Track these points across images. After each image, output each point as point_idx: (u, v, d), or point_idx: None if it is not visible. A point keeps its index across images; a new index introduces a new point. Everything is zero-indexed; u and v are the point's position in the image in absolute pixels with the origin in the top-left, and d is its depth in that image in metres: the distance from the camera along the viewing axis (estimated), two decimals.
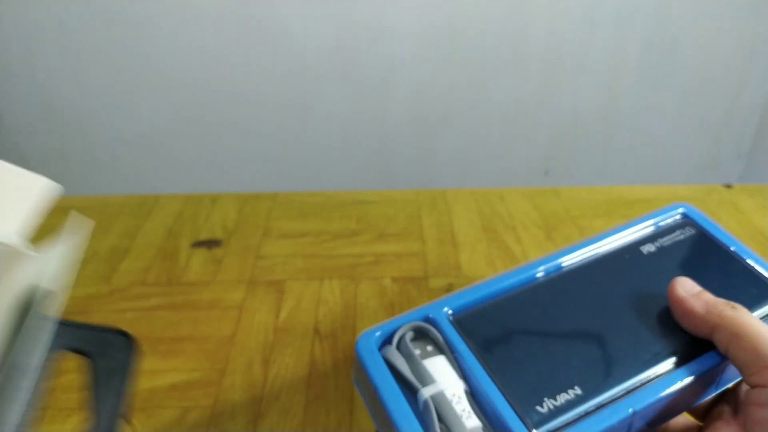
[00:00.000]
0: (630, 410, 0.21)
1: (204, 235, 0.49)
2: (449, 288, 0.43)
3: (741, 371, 0.21)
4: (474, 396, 0.22)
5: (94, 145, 1.12)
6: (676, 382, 0.22)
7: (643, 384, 0.22)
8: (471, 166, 1.16)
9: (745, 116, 1.18)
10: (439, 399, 0.21)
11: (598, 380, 0.22)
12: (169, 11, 0.97)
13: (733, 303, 0.23)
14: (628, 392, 0.21)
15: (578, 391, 0.21)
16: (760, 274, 0.27)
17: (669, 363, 0.23)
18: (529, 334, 0.23)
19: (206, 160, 1.15)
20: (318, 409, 0.34)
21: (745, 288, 0.26)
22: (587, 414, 0.21)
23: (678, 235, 0.28)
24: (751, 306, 0.25)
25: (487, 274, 0.45)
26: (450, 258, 0.46)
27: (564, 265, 0.27)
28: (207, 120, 1.10)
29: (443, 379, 0.22)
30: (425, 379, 0.22)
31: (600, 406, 0.21)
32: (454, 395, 0.21)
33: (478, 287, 0.25)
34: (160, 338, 0.39)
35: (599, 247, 0.28)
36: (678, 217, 0.30)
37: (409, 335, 0.23)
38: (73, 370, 0.36)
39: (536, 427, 0.20)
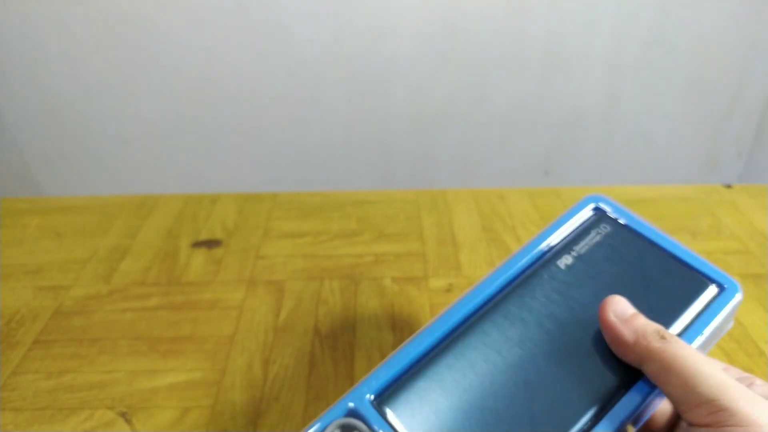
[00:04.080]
0: None
1: (204, 235, 0.49)
2: (449, 288, 0.43)
3: (675, 407, 0.20)
4: None
5: (94, 145, 1.12)
6: (618, 419, 0.21)
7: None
8: (471, 166, 1.16)
9: (745, 116, 1.18)
10: None
11: None
12: (169, 11, 0.97)
13: (663, 332, 0.21)
14: None
15: None
16: (686, 263, 0.26)
17: (610, 395, 0.21)
18: (459, 401, 0.21)
19: (206, 160, 1.15)
20: (318, 409, 0.34)
21: (673, 283, 0.25)
22: None
23: (594, 237, 0.27)
24: (685, 302, 0.24)
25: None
26: (450, 258, 0.46)
27: (481, 309, 0.24)
28: (207, 120, 1.10)
29: None
30: None
31: None
32: None
33: (394, 359, 0.22)
34: (160, 338, 0.39)
35: (514, 274, 0.25)
36: (591, 213, 0.28)
37: None
38: (73, 370, 0.36)
39: None
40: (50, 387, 0.35)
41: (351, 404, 0.21)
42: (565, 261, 0.26)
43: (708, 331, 0.24)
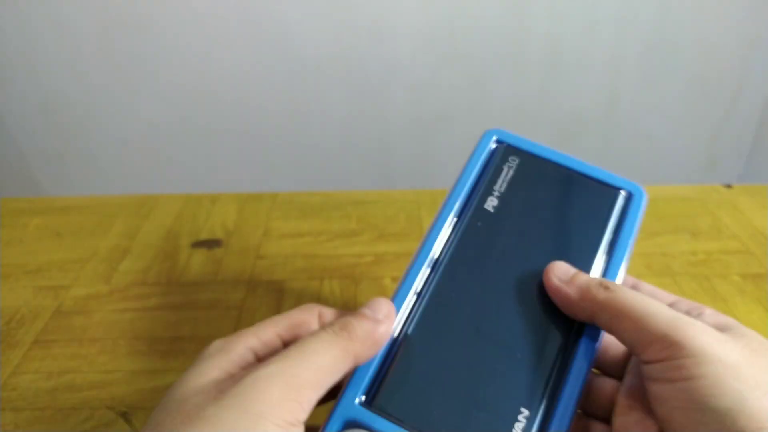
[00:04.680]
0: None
1: (204, 235, 0.49)
2: None
3: (631, 351, 0.21)
4: None
5: (94, 145, 1.12)
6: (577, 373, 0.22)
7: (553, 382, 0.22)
8: None
9: (745, 116, 1.18)
10: None
11: (532, 392, 0.22)
12: (169, 12, 0.97)
13: (606, 282, 0.22)
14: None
15: (526, 413, 0.21)
16: (593, 177, 0.28)
17: (566, 341, 0.23)
18: (439, 373, 0.22)
19: (206, 160, 1.15)
20: (318, 409, 0.34)
21: (589, 200, 0.27)
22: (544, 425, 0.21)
23: (508, 173, 0.28)
24: (605, 216, 0.26)
25: None
26: None
27: (431, 279, 0.24)
28: (207, 120, 1.10)
29: None
30: None
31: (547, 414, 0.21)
32: None
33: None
34: (160, 338, 0.39)
35: (450, 231, 0.26)
36: (494, 147, 0.29)
37: None
38: (73, 370, 0.36)
39: None
40: (50, 387, 0.35)
41: (348, 418, 0.21)
42: (491, 203, 0.27)
43: (633, 239, 0.26)
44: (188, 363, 0.37)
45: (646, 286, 0.26)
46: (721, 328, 0.21)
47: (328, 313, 0.24)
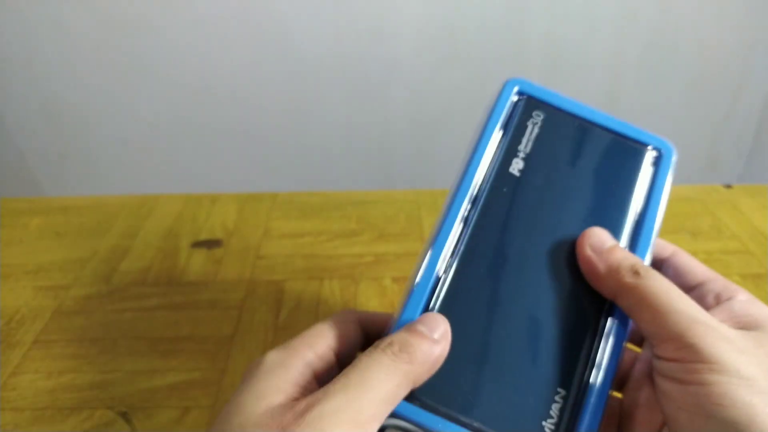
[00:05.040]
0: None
1: (204, 235, 0.49)
2: None
3: (647, 339, 0.20)
4: None
5: (94, 145, 1.12)
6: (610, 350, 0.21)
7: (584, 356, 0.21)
8: None
9: (745, 116, 1.17)
10: None
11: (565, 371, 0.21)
12: (169, 12, 0.97)
13: (639, 266, 0.21)
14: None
15: (563, 393, 0.21)
16: (621, 133, 0.26)
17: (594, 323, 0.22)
18: (478, 360, 0.21)
19: (206, 160, 1.15)
20: None
21: (618, 157, 0.25)
22: (577, 409, 0.21)
23: (533, 130, 0.26)
24: (633, 175, 0.25)
25: None
26: None
27: (456, 252, 0.23)
28: (207, 120, 1.10)
29: None
30: None
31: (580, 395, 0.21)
32: None
33: None
34: (160, 338, 0.39)
35: (473, 197, 0.24)
36: (516, 99, 0.27)
37: None
38: (73, 370, 0.36)
39: None
40: (50, 387, 0.35)
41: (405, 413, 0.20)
42: (516, 166, 0.25)
43: (665, 198, 0.25)
44: (188, 363, 0.37)
45: (683, 256, 0.25)
46: (748, 325, 0.20)
47: (369, 319, 0.24)
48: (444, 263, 0.23)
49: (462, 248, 0.23)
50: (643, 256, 0.23)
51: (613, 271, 0.21)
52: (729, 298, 0.22)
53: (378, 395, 0.18)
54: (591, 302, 0.22)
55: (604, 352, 0.21)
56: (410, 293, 0.22)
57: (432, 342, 0.20)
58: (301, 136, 1.12)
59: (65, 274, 0.45)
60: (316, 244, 0.48)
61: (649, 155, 0.26)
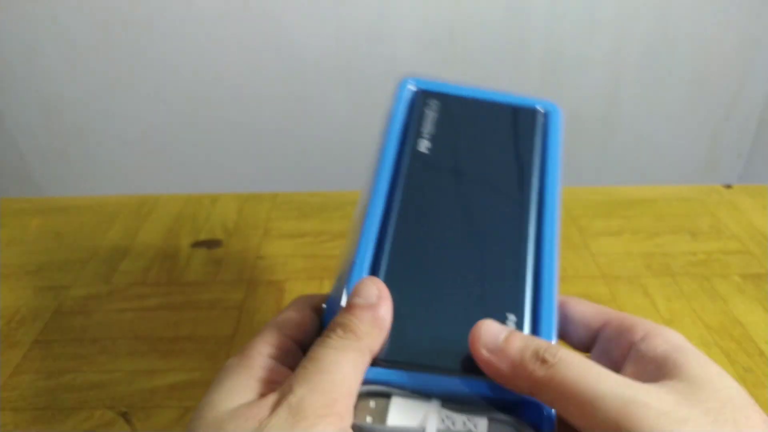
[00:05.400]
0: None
1: (204, 235, 0.49)
2: None
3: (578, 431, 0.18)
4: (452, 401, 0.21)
5: (94, 145, 1.12)
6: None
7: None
8: None
9: (745, 116, 1.17)
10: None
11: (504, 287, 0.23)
12: (169, 11, 0.97)
13: (543, 352, 0.18)
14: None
15: (513, 318, 0.22)
16: (510, 104, 0.29)
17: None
18: (426, 308, 0.22)
19: (206, 160, 1.15)
20: None
21: (512, 126, 0.28)
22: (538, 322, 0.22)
23: (431, 115, 0.28)
24: (530, 137, 0.28)
25: None
26: None
27: (386, 230, 0.24)
28: (207, 120, 1.10)
29: (418, 417, 0.20)
30: None
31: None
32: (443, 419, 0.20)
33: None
34: (160, 338, 0.39)
35: (392, 178, 0.26)
36: (413, 91, 0.29)
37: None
38: (73, 370, 0.36)
39: None
40: (50, 387, 0.35)
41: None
42: (423, 145, 0.27)
43: (560, 155, 0.28)
44: (188, 363, 0.37)
45: (572, 305, 0.24)
46: (662, 369, 0.19)
47: (321, 300, 0.24)
48: (374, 233, 0.24)
49: (393, 219, 0.25)
50: (553, 206, 0.26)
51: (519, 368, 0.18)
52: (630, 343, 0.21)
53: (336, 377, 0.19)
54: (518, 237, 0.24)
55: (541, 263, 0.23)
56: (351, 266, 0.23)
57: (371, 308, 0.20)
58: (301, 136, 1.12)
59: (65, 274, 0.45)
60: (316, 244, 0.48)
61: (540, 117, 0.29)
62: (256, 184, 1.14)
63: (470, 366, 0.20)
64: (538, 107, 0.29)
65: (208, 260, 0.46)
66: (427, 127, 0.28)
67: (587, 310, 0.23)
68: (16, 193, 1.14)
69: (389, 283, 0.22)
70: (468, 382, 0.20)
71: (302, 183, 1.16)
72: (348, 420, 0.18)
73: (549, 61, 1.06)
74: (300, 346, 0.23)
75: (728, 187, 0.56)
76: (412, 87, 0.29)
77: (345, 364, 0.19)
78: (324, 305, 0.24)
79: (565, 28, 1.03)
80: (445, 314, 0.22)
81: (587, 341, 0.23)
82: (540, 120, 0.29)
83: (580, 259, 0.46)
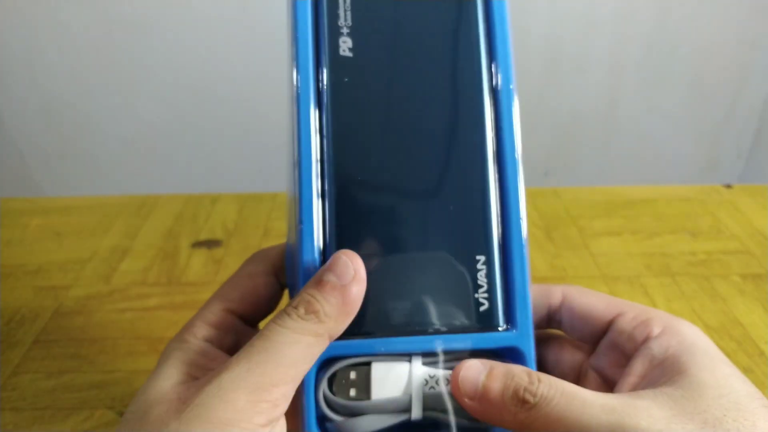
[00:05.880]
0: None
1: (204, 235, 0.49)
2: None
3: None
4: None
5: (94, 145, 1.12)
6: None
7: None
8: None
9: (745, 116, 1.17)
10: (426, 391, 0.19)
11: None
12: (168, 12, 0.97)
13: (522, 393, 0.18)
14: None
15: (482, 258, 0.20)
16: None
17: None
18: (387, 266, 0.20)
19: (206, 160, 1.15)
20: None
21: (448, 12, 0.22)
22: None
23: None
24: (471, 23, 0.22)
25: None
26: None
27: (325, 180, 0.21)
28: (207, 120, 1.10)
29: (398, 384, 0.20)
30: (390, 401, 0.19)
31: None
32: (426, 378, 0.20)
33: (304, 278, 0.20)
34: (160, 338, 0.39)
35: (311, 98, 0.21)
36: None
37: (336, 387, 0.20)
38: (73, 370, 0.36)
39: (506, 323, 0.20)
40: (50, 387, 0.35)
41: (319, 361, 0.19)
42: (344, 44, 0.21)
43: (509, 37, 0.22)
44: None
45: (575, 297, 0.23)
46: (671, 371, 0.18)
47: (280, 257, 0.22)
48: (318, 183, 0.20)
49: (330, 161, 0.21)
50: (510, 113, 0.21)
51: (503, 412, 0.18)
52: (647, 338, 0.20)
53: (285, 359, 0.17)
54: (476, 159, 0.21)
55: (505, 185, 0.21)
56: (300, 234, 0.20)
57: (341, 290, 0.19)
58: None
59: (65, 274, 0.45)
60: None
61: None
62: (256, 184, 1.14)
63: (444, 321, 0.20)
64: None
65: (208, 260, 0.46)
66: (344, 16, 0.21)
67: (597, 302, 0.22)
68: (16, 193, 1.14)
69: (342, 238, 0.20)
70: (446, 337, 0.20)
71: None
72: (282, 408, 0.18)
73: (549, 61, 1.06)
74: (248, 320, 0.22)
75: (728, 187, 0.56)
76: None
77: (296, 346, 0.18)
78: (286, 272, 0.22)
79: (565, 28, 1.03)
80: (411, 270, 0.20)
81: (595, 334, 0.22)
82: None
83: (580, 259, 0.46)
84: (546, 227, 0.50)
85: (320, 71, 0.21)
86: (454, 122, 0.21)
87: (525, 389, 0.18)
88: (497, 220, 0.21)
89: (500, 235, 0.21)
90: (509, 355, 0.20)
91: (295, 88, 0.21)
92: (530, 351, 0.20)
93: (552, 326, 0.24)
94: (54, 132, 1.10)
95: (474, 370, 0.19)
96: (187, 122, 1.09)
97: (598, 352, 0.22)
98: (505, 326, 0.20)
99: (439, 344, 0.20)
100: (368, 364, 0.20)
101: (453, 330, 0.20)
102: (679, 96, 1.13)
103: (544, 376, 0.18)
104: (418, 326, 0.20)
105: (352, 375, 0.20)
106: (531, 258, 0.46)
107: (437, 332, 0.20)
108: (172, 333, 0.39)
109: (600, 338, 0.22)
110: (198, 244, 0.48)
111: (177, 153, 1.13)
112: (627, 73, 1.09)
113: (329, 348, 0.19)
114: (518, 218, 0.21)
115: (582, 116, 1.13)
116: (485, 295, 0.20)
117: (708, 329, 0.39)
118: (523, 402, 0.18)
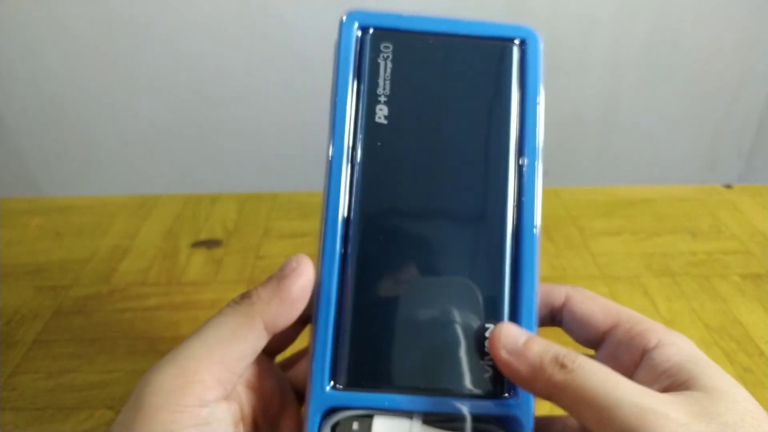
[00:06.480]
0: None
1: (204, 235, 0.49)
2: None
3: None
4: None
5: (94, 145, 1.12)
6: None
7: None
8: None
9: (745, 116, 1.17)
10: None
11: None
12: (169, 11, 0.97)
13: (563, 357, 0.18)
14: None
15: (491, 327, 0.21)
16: (479, 35, 0.23)
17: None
18: (400, 324, 0.21)
19: (206, 160, 1.15)
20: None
21: (483, 61, 0.23)
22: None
23: (386, 66, 0.23)
24: (505, 72, 0.22)
25: None
26: None
27: (349, 231, 0.22)
28: (207, 120, 1.10)
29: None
30: None
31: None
32: None
33: (319, 336, 0.21)
34: (160, 338, 0.39)
35: (348, 170, 0.22)
36: (359, 35, 0.23)
37: None
38: (73, 370, 0.36)
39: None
40: (50, 387, 0.35)
41: (324, 409, 0.20)
42: (381, 113, 0.22)
43: (541, 87, 0.23)
44: None
45: (578, 301, 0.23)
46: (677, 379, 0.19)
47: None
48: (338, 244, 0.22)
49: (356, 222, 0.21)
50: (533, 155, 0.22)
51: (538, 371, 0.18)
52: (643, 350, 0.20)
53: (208, 339, 0.18)
54: (497, 237, 0.21)
55: (520, 274, 0.21)
56: (318, 292, 0.21)
57: (277, 277, 0.20)
58: (301, 136, 1.12)
59: (65, 274, 0.45)
60: (315, 244, 0.48)
61: (515, 48, 0.23)
62: (256, 184, 1.14)
63: (449, 383, 0.20)
64: (514, 36, 0.24)
65: (208, 260, 0.46)
66: (383, 85, 0.22)
67: (596, 310, 0.22)
68: (16, 193, 1.14)
69: (356, 299, 0.21)
70: (448, 400, 0.20)
71: (302, 183, 1.16)
72: (215, 391, 0.18)
73: (549, 61, 1.06)
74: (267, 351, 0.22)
75: (728, 187, 0.56)
76: (358, 27, 0.23)
77: (223, 326, 0.19)
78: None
79: (565, 28, 1.03)
80: (420, 330, 0.21)
81: (593, 341, 0.23)
82: (516, 50, 0.23)
83: (580, 259, 0.46)
84: (546, 227, 0.50)
85: (357, 133, 0.22)
86: (478, 194, 0.22)
87: (565, 355, 0.18)
88: (509, 293, 0.21)
89: (510, 308, 0.21)
90: (509, 422, 0.21)
91: (328, 155, 0.22)
92: (529, 421, 0.20)
93: (554, 325, 0.24)
94: (54, 132, 1.10)
95: (516, 329, 0.20)
96: (187, 122, 1.09)
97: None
98: (507, 394, 0.21)
99: (441, 406, 0.20)
100: (371, 416, 0.20)
101: (456, 393, 0.20)
102: (679, 96, 1.13)
103: (580, 354, 0.18)
104: (422, 385, 0.20)
105: (355, 426, 0.20)
106: None
107: (441, 393, 0.20)
108: (172, 333, 0.39)
109: (597, 344, 0.22)
110: (198, 244, 0.48)
111: (177, 153, 1.13)
112: (627, 73, 1.09)
113: (335, 398, 0.20)
114: (531, 293, 0.21)
115: (582, 116, 1.13)
116: (490, 363, 0.21)
117: (708, 329, 0.39)
118: (563, 365, 0.18)
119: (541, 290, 0.23)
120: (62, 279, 0.44)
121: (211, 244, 0.48)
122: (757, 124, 1.19)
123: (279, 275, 0.20)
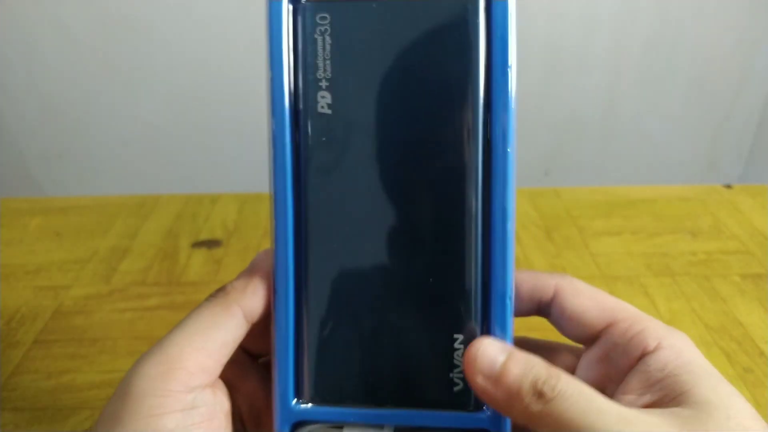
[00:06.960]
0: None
1: (204, 235, 0.49)
2: None
3: None
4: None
5: (94, 145, 1.12)
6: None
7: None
8: None
9: (745, 116, 1.17)
10: None
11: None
12: (168, 12, 0.97)
13: (541, 385, 0.17)
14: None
15: (460, 338, 0.19)
16: None
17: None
18: (364, 336, 0.20)
19: (206, 160, 1.15)
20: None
21: (443, 23, 0.19)
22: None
23: (324, 42, 0.19)
24: (471, 33, 0.19)
25: None
26: None
27: (299, 232, 0.20)
28: (207, 120, 1.10)
29: None
30: None
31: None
32: None
33: (280, 353, 0.20)
34: (159, 338, 0.39)
35: (289, 162, 0.19)
36: (290, 9, 0.19)
37: None
38: (73, 370, 0.36)
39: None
40: (50, 387, 0.35)
41: (291, 423, 0.20)
42: (323, 100, 0.19)
43: (513, 49, 0.20)
44: None
45: (569, 296, 0.21)
46: (670, 389, 0.18)
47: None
48: (291, 252, 0.20)
49: (308, 226, 0.20)
50: (505, 135, 0.20)
51: (515, 399, 0.17)
52: (641, 354, 0.19)
53: (188, 328, 0.19)
54: (463, 234, 0.19)
55: (493, 275, 0.19)
56: (275, 302, 0.20)
57: (249, 270, 0.21)
58: None
59: (65, 274, 0.45)
60: None
61: (482, 4, 0.19)
62: (256, 184, 1.14)
63: (419, 396, 0.20)
64: None
65: (208, 260, 0.46)
66: (322, 67, 0.19)
67: (589, 306, 0.21)
68: (16, 193, 1.14)
69: (314, 312, 0.20)
70: (419, 413, 0.20)
71: None
72: (200, 378, 0.18)
73: (549, 61, 1.06)
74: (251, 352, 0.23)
75: (728, 187, 0.56)
76: (287, 0, 0.19)
77: (201, 316, 0.19)
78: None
79: (565, 28, 1.03)
80: (389, 342, 0.20)
81: (585, 340, 0.21)
82: (479, 7, 0.19)
83: (580, 259, 0.46)
84: (546, 227, 0.50)
85: (297, 125, 0.19)
86: (442, 185, 0.19)
87: (544, 381, 0.17)
88: (481, 296, 0.19)
89: (483, 313, 0.19)
90: None
91: (270, 158, 0.19)
92: None
93: (541, 315, 0.23)
94: (54, 132, 1.10)
95: (494, 348, 0.18)
96: (187, 122, 1.09)
97: (589, 363, 0.21)
98: (477, 408, 0.20)
99: (411, 419, 0.20)
100: (341, 428, 0.20)
101: (426, 406, 0.20)
102: (679, 96, 1.13)
103: (563, 373, 0.17)
104: (391, 399, 0.20)
105: None
106: (531, 258, 0.46)
107: (411, 406, 0.20)
108: None
109: (590, 343, 0.21)
110: (198, 244, 0.48)
111: (177, 153, 1.13)
112: (627, 73, 1.09)
113: (301, 412, 0.20)
114: (504, 294, 0.19)
115: (582, 116, 1.13)
116: (460, 375, 0.19)
117: (708, 329, 0.39)
118: (541, 394, 0.17)
119: (527, 280, 0.22)
120: (62, 279, 0.44)
121: (211, 244, 0.48)
122: (757, 124, 1.19)
123: (249, 267, 0.21)
